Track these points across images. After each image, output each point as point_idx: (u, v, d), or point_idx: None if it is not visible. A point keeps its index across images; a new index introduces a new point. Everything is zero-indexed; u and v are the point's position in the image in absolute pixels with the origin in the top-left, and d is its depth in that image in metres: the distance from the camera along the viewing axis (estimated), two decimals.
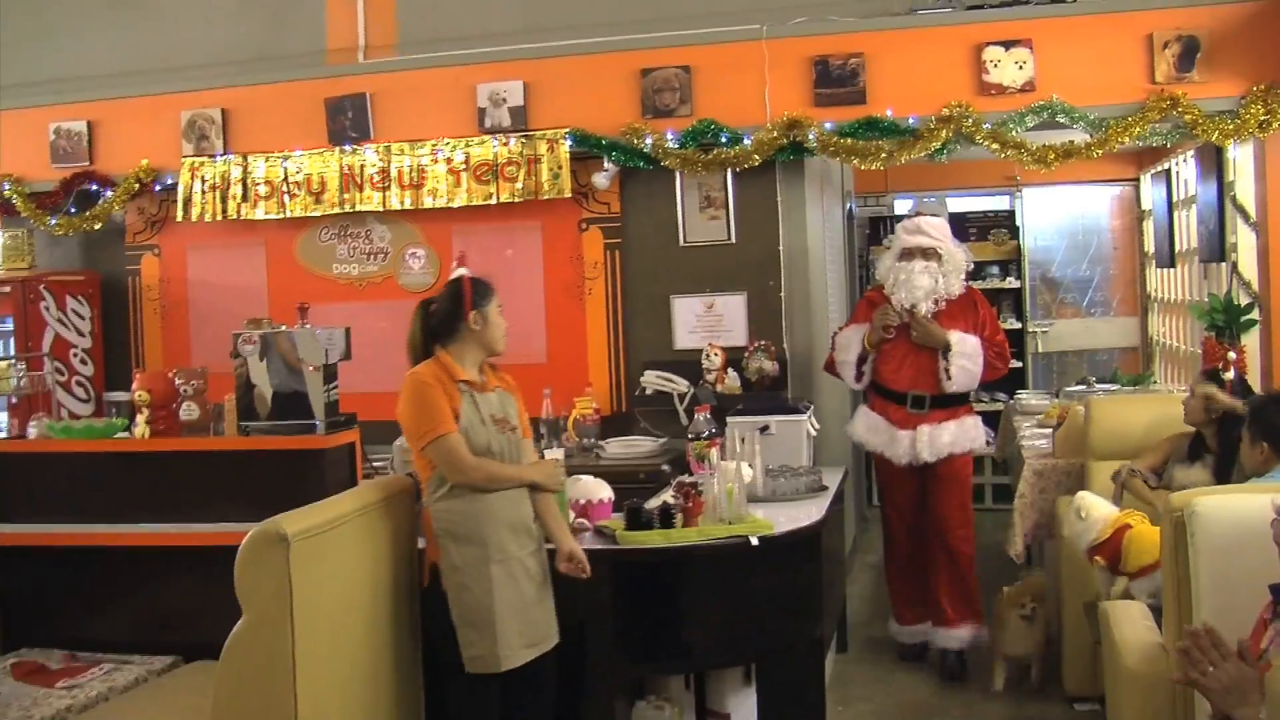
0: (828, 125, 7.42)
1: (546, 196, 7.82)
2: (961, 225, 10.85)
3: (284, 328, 5.55)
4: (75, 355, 8.69)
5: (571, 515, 5.24)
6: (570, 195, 7.84)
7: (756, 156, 7.49)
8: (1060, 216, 12.02)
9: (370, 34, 8.54)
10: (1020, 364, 10.79)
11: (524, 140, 7.86)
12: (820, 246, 7.99)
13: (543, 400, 7.28)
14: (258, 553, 4.08)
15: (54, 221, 8.70)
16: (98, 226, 8.69)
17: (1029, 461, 7.00)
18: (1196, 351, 7.99)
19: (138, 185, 8.57)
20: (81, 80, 8.92)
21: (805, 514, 5.62)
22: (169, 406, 5.70)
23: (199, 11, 8.94)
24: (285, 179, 8.25)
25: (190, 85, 8.59)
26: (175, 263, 8.80)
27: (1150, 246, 10.89)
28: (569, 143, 7.79)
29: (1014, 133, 7.23)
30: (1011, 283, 11.53)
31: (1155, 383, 9.55)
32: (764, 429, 6.62)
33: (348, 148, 8.19)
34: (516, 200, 7.87)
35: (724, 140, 7.56)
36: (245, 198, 8.33)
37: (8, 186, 8.82)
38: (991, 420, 8.58)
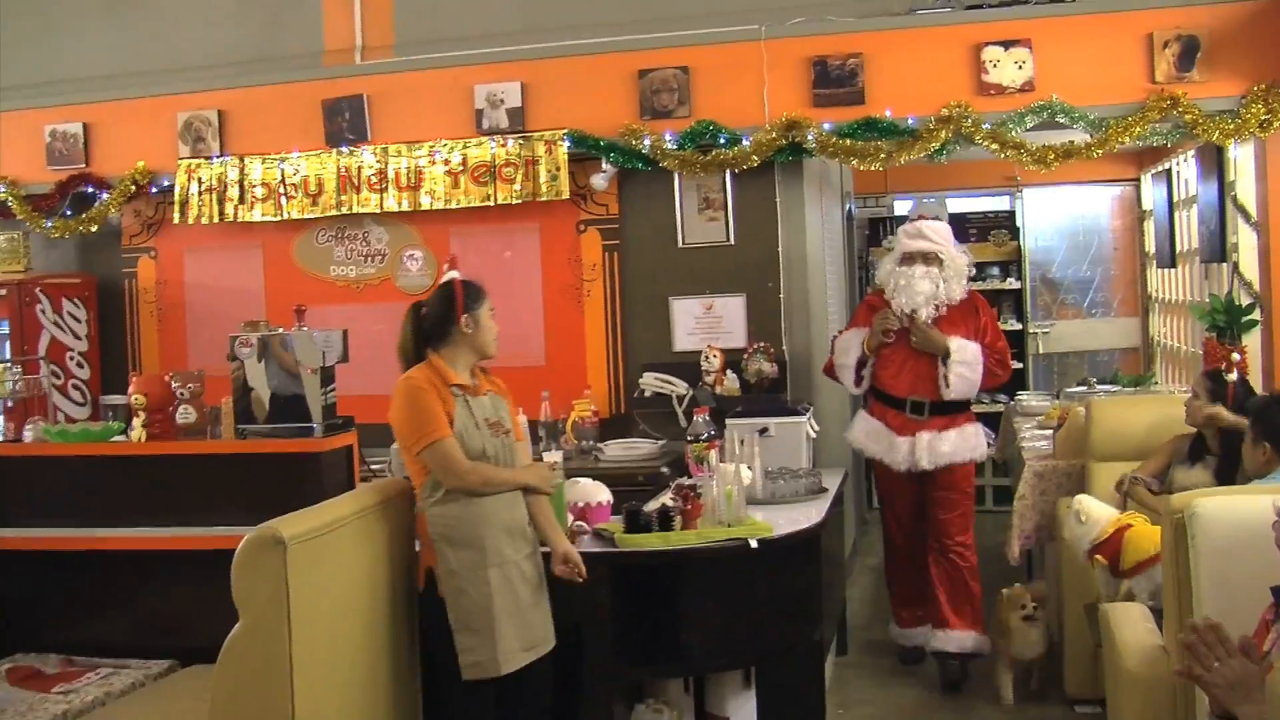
0: (826, 126, 7.40)
1: (544, 198, 7.81)
2: (961, 226, 10.85)
3: (281, 330, 5.54)
4: (71, 358, 8.68)
5: (570, 518, 5.23)
6: (568, 197, 7.83)
7: (755, 157, 7.48)
8: (1061, 217, 12.01)
9: (367, 35, 8.54)
10: (1021, 365, 10.76)
11: (522, 141, 7.84)
12: (819, 248, 7.97)
13: (541, 403, 7.26)
14: (254, 556, 4.05)
15: (50, 224, 8.67)
16: (94, 229, 8.67)
17: (1029, 463, 6.98)
18: (1198, 352, 7.97)
19: (134, 187, 8.55)
20: (77, 82, 8.92)
21: (805, 516, 5.60)
22: (165, 410, 5.70)
23: (195, 13, 8.94)
24: (282, 181, 8.24)
25: (186, 87, 8.58)
26: (172, 265, 8.79)
27: (1151, 247, 10.87)
28: (567, 144, 7.77)
29: (1014, 133, 7.22)
30: (1012, 283, 11.52)
31: (1156, 383, 9.54)
32: (763, 431, 6.60)
33: (345, 149, 8.18)
34: (514, 202, 7.85)
35: (722, 141, 7.55)
36: (242, 200, 8.32)
37: (3, 189, 8.81)
38: (992, 421, 8.56)
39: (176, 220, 8.48)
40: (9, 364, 7.61)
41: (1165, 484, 5.81)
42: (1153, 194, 10.57)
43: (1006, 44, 7.30)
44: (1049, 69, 7.26)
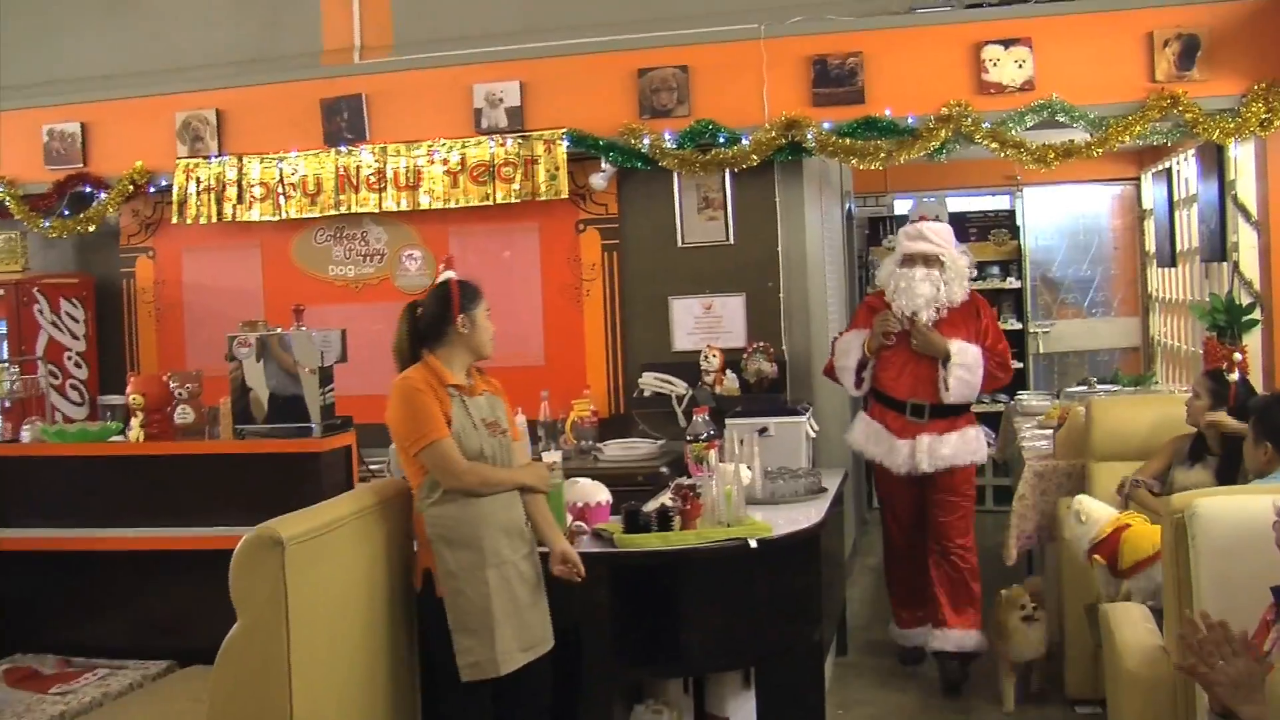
0: (826, 125, 7.39)
1: (544, 197, 7.80)
2: (961, 225, 10.84)
3: (279, 330, 5.53)
4: (69, 358, 8.66)
5: (569, 518, 5.21)
6: (567, 196, 7.82)
7: (755, 157, 7.47)
8: (1061, 216, 11.98)
9: (366, 34, 8.52)
10: (1021, 365, 10.75)
11: (521, 141, 7.83)
12: (819, 247, 7.96)
13: (540, 402, 7.25)
14: (252, 557, 4.04)
15: (47, 224, 8.66)
16: (92, 229, 8.65)
17: (1029, 463, 6.97)
18: (1198, 352, 7.96)
19: (132, 187, 8.54)
20: (75, 81, 8.90)
21: (804, 516, 5.59)
22: (163, 410, 5.71)
23: (193, 12, 8.92)
24: (280, 180, 8.22)
25: (184, 86, 8.57)
26: (170, 265, 8.78)
27: (1151, 246, 10.86)
28: (566, 143, 7.76)
29: (1013, 132, 7.21)
30: (1012, 283, 11.52)
31: (1157, 383, 9.52)
32: (763, 431, 6.59)
33: (343, 149, 8.16)
34: (513, 201, 7.84)
35: (722, 140, 7.54)
36: (240, 199, 8.30)
37: (1, 189, 8.79)
38: (992, 421, 8.55)
39: (175, 220, 8.46)
40: (6, 364, 7.56)
41: (1166, 485, 5.80)
42: (1153, 193, 10.56)
43: (1006, 43, 7.29)
44: (1049, 68, 7.25)
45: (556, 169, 7.75)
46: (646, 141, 7.60)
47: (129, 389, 5.74)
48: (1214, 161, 7.80)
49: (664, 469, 6.76)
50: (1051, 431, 7.30)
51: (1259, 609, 3.50)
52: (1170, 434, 6.09)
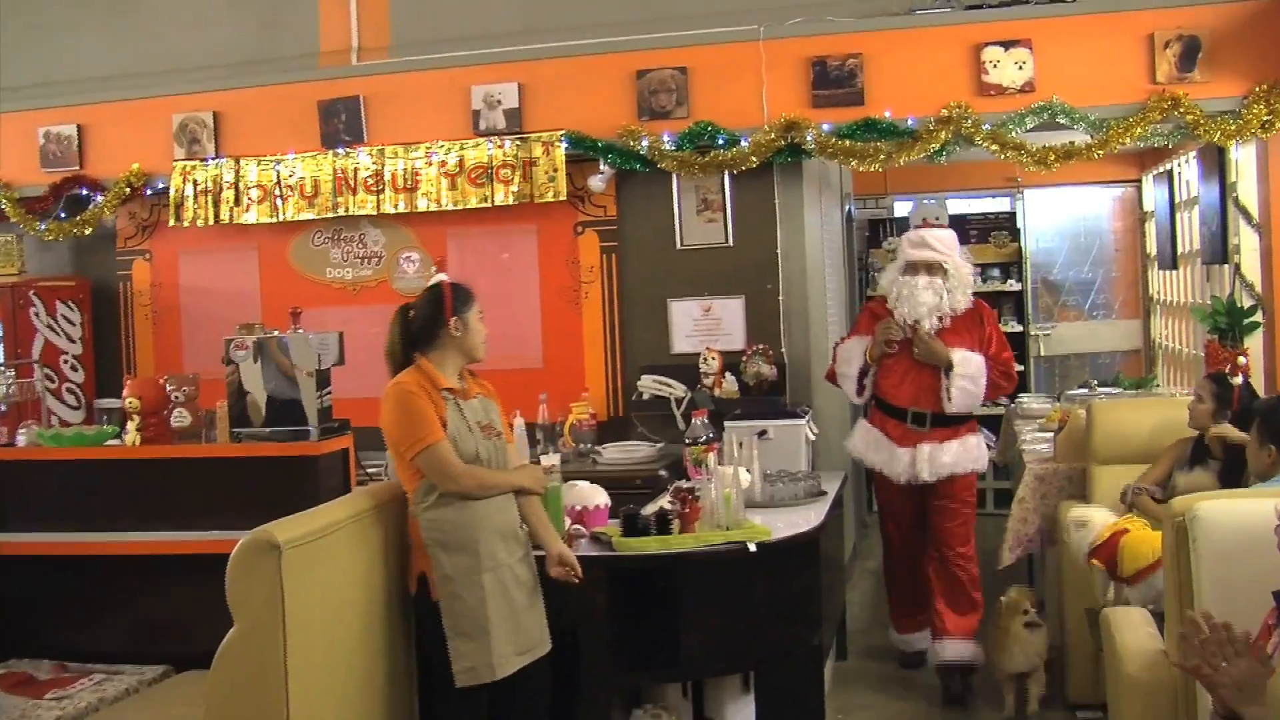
0: (826, 127, 7.38)
1: (542, 199, 7.77)
2: (962, 227, 10.80)
3: (277, 333, 5.51)
4: (65, 362, 8.64)
5: (568, 521, 5.19)
6: (566, 198, 7.80)
7: (754, 158, 7.45)
8: (1061, 218, 11.95)
9: (363, 36, 8.50)
10: (1022, 367, 10.70)
11: (519, 143, 7.81)
12: (819, 249, 7.94)
13: (539, 405, 7.25)
14: (249, 561, 4.02)
15: (43, 226, 8.64)
16: (88, 231, 8.63)
17: (1030, 466, 6.94)
18: (1199, 354, 7.93)
19: (128, 189, 8.52)
20: (71, 84, 8.88)
21: (804, 519, 5.56)
22: (160, 413, 5.70)
23: (190, 14, 8.89)
24: (278, 182, 8.20)
25: (181, 88, 8.56)
26: (167, 267, 8.75)
27: (1152, 248, 10.84)
28: (564, 145, 7.74)
29: (1014, 134, 7.20)
30: (1013, 285, 11.51)
31: (1158, 386, 9.51)
32: (762, 433, 6.57)
33: (341, 151, 8.14)
34: (511, 203, 7.82)
35: (721, 142, 7.52)
36: (237, 202, 8.28)
37: None
38: (993, 424, 8.53)
39: (171, 222, 8.44)
40: (2, 368, 7.58)
41: (1168, 489, 5.76)
42: (1154, 195, 10.54)
43: (1007, 44, 7.27)
44: (1049, 69, 7.24)
45: (555, 171, 7.73)
46: (645, 143, 7.58)
47: (125, 392, 5.73)
48: (1215, 163, 7.77)
49: (663, 472, 6.78)
50: (1052, 434, 7.27)
51: (1260, 613, 3.47)
52: (1171, 437, 6.07)
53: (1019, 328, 11.29)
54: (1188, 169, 9.03)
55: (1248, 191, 7.51)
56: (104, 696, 4.96)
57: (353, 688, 4.45)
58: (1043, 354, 11.74)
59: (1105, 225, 11.90)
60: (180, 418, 5.63)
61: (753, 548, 4.99)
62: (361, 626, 4.52)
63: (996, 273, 11.43)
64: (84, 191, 8.64)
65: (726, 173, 7.61)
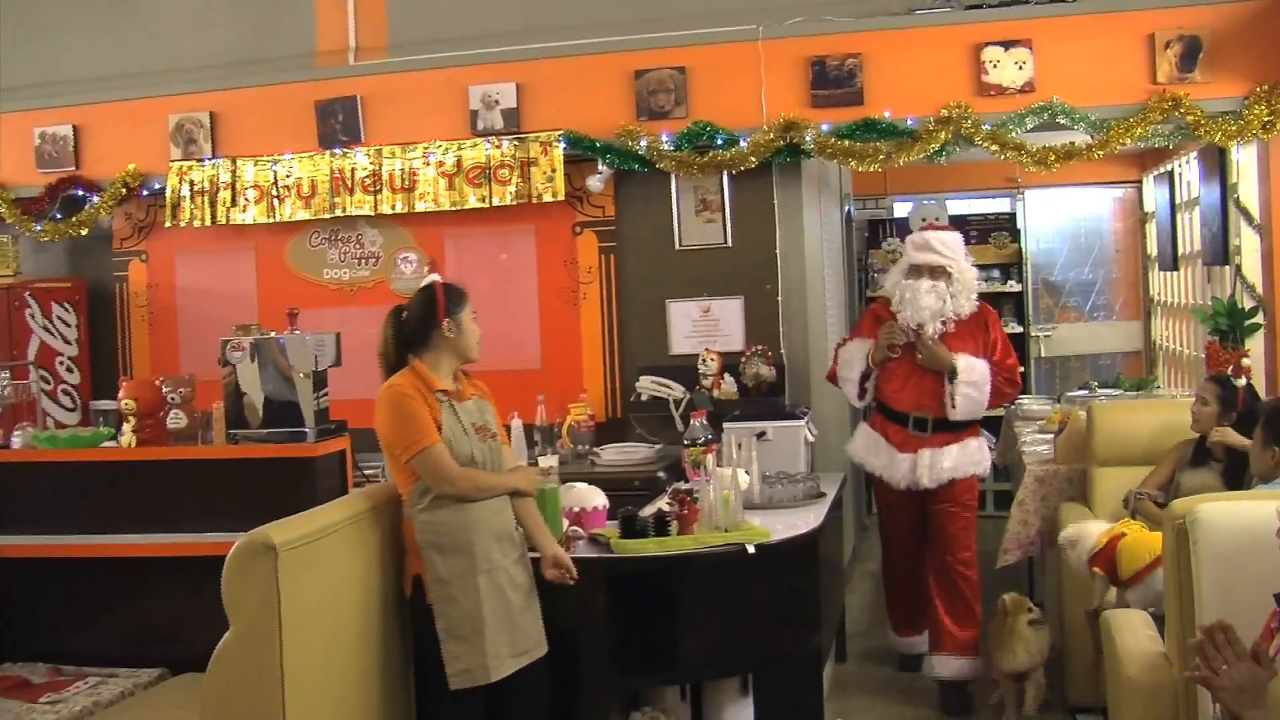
0: (825, 127, 7.35)
1: (540, 200, 7.74)
2: (962, 228, 10.71)
3: (273, 334, 5.50)
4: (61, 363, 8.61)
5: (566, 523, 5.17)
6: (564, 198, 7.77)
7: (753, 159, 7.43)
8: (1062, 219, 11.93)
9: (361, 36, 8.47)
10: (1022, 369, 10.68)
11: (517, 143, 7.78)
12: (818, 250, 7.92)
13: (537, 406, 7.23)
14: (245, 563, 4.00)
15: (39, 227, 8.61)
16: (84, 232, 8.60)
17: (1030, 468, 6.93)
18: (1200, 356, 7.92)
19: (125, 190, 8.49)
20: (67, 84, 8.85)
21: (803, 521, 5.54)
22: (156, 415, 5.69)
23: (187, 14, 8.87)
24: (275, 183, 8.17)
25: (178, 88, 8.53)
26: (163, 268, 8.73)
27: (1153, 249, 10.82)
28: (563, 145, 7.72)
29: (1014, 134, 7.18)
30: (1013, 286, 11.49)
31: (1159, 387, 9.49)
32: (761, 435, 6.55)
33: (338, 151, 8.11)
34: (509, 204, 7.79)
35: (720, 142, 7.50)
36: (234, 202, 8.25)
37: None
38: (993, 426, 8.51)
39: (168, 223, 8.40)
40: None
41: (1172, 489, 5.74)
42: (1155, 196, 10.53)
43: (1006, 44, 7.25)
44: (1049, 69, 7.21)
45: (553, 171, 7.70)
46: (644, 143, 7.55)
47: (121, 394, 5.72)
48: (1216, 164, 7.75)
49: (661, 473, 6.78)
50: (1052, 436, 7.27)
51: (1261, 615, 3.45)
52: (1172, 439, 6.06)
53: (1019, 329, 11.27)
54: (1188, 170, 9.01)
55: (1249, 192, 7.49)
56: (99, 700, 4.94)
57: (349, 690, 4.42)
58: (1043, 355, 11.72)
59: (1106, 226, 11.87)
60: (176, 419, 5.61)
61: (751, 550, 4.97)
62: (358, 629, 4.49)
63: (996, 274, 11.41)
64: (80, 192, 8.62)
65: (725, 173, 7.59)
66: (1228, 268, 7.74)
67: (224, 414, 5.51)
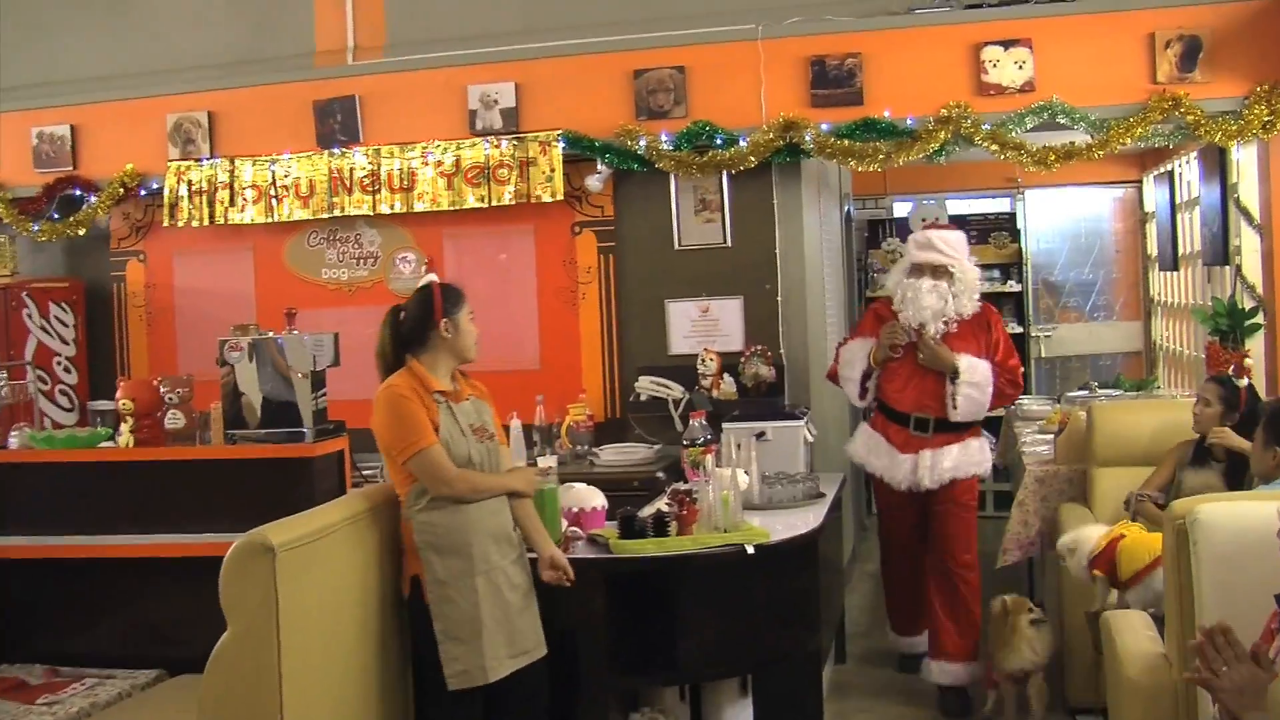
0: (824, 126, 7.34)
1: (539, 200, 7.72)
2: (962, 228, 10.70)
3: (272, 334, 5.49)
4: (58, 363, 8.60)
5: (565, 524, 5.16)
6: (563, 198, 7.75)
7: (752, 158, 7.41)
8: (1062, 219, 11.91)
9: (359, 35, 8.46)
10: (1023, 369, 10.69)
11: (516, 142, 7.77)
12: (817, 250, 7.91)
13: (536, 407, 7.21)
14: (243, 564, 4.00)
15: (36, 227, 8.59)
16: (81, 232, 8.57)
17: (1030, 468, 6.91)
18: (1200, 356, 7.90)
19: (122, 190, 8.46)
20: (65, 83, 8.83)
21: (802, 521, 5.53)
22: (154, 415, 5.68)
23: (185, 13, 8.86)
24: (273, 183, 8.15)
25: (176, 88, 8.51)
26: (161, 268, 8.71)
27: (1153, 249, 10.81)
28: (562, 145, 7.70)
29: (1014, 134, 7.16)
30: (1013, 286, 11.47)
31: (1159, 388, 9.48)
32: (760, 435, 6.53)
33: (337, 151, 8.10)
34: (508, 203, 7.77)
35: (719, 142, 7.48)
36: (232, 202, 8.23)
37: None
38: (993, 426, 8.49)
39: (166, 223, 8.38)
40: None
41: (1173, 489, 5.73)
42: (1155, 196, 10.52)
43: (1006, 44, 7.24)
44: (1049, 69, 7.20)
45: (552, 171, 7.69)
46: (643, 143, 7.54)
47: (119, 394, 5.71)
48: (1216, 164, 7.74)
49: (660, 474, 6.76)
50: (1053, 436, 7.26)
51: (1261, 616, 3.46)
52: (1172, 439, 6.05)
53: (1019, 329, 11.25)
54: (1188, 170, 9.00)
55: (1249, 192, 7.48)
56: (96, 701, 4.92)
57: (347, 691, 4.42)
58: (1043, 355, 11.71)
59: (1106, 226, 11.86)
60: (174, 419, 5.60)
61: (751, 550, 4.96)
62: (357, 629, 4.49)
63: (996, 274, 11.40)
64: (77, 192, 8.59)
65: (725, 173, 7.57)
66: (1228, 268, 7.72)
67: (222, 414, 5.50)
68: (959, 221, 10.65)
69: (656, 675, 5.27)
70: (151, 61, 8.76)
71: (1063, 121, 7.13)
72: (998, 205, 11.86)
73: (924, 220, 6.64)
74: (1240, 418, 5.67)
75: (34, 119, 8.75)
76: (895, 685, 6.80)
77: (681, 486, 5.35)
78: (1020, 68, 7.22)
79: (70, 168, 8.67)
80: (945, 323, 6.39)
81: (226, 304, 8.25)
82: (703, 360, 7.44)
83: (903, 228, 7.48)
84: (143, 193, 8.55)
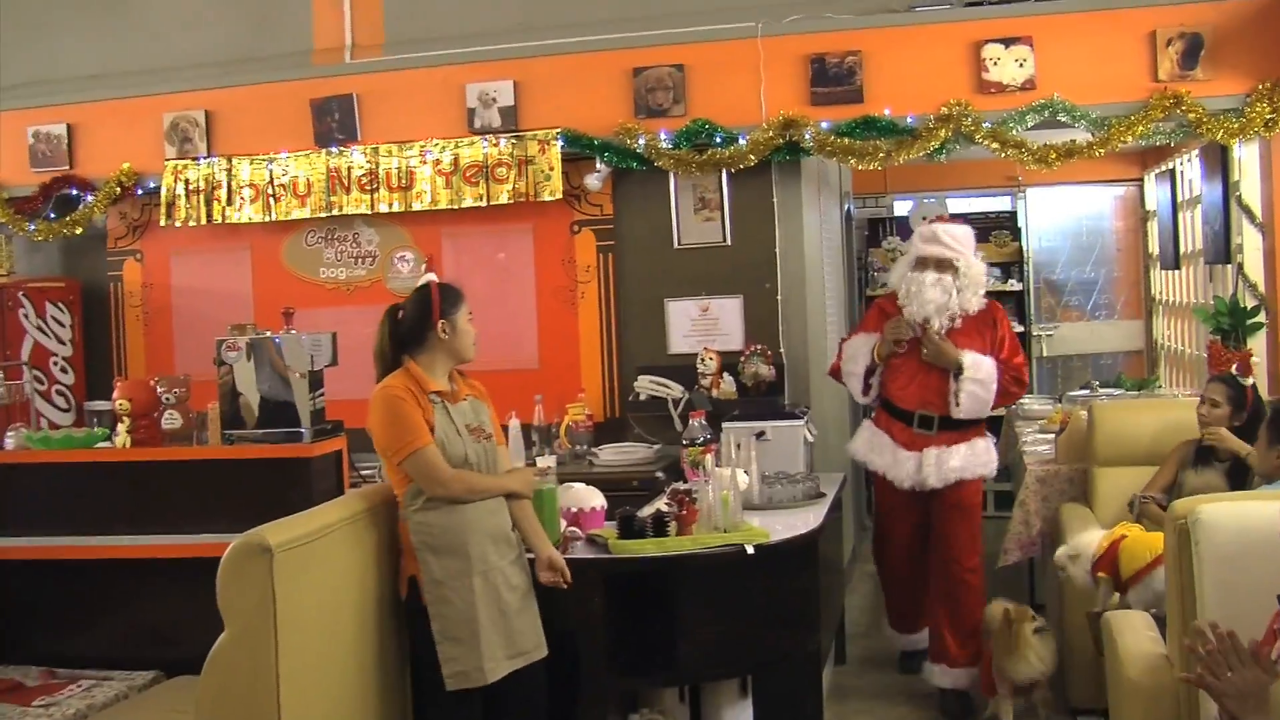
0: (824, 125, 7.32)
1: (538, 198, 7.71)
2: None
3: (269, 334, 5.47)
4: (55, 363, 8.58)
5: (564, 524, 5.14)
6: (562, 197, 7.74)
7: (752, 157, 7.40)
8: (1063, 217, 11.91)
9: (357, 33, 8.43)
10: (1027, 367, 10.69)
11: (514, 141, 7.75)
12: (817, 248, 7.89)
13: (535, 406, 7.19)
14: (240, 564, 3.99)
15: (33, 227, 8.57)
16: (78, 231, 8.55)
17: (1031, 468, 6.90)
18: (1202, 355, 7.90)
19: (119, 189, 8.45)
20: (61, 82, 8.81)
21: (802, 522, 5.51)
22: (151, 415, 5.67)
23: (182, 12, 8.83)
24: (270, 182, 8.14)
25: (173, 87, 8.49)
26: (158, 268, 8.70)
27: (1155, 248, 10.81)
28: (560, 143, 7.69)
29: (1014, 132, 7.15)
30: (1014, 285, 11.45)
31: (1160, 387, 9.44)
32: (760, 435, 6.50)
33: (334, 149, 8.08)
34: (507, 202, 7.76)
35: (718, 140, 7.46)
36: (230, 201, 8.22)
37: None
38: (994, 426, 8.47)
39: (163, 222, 8.37)
40: None
41: (1176, 489, 5.71)
42: (1156, 194, 10.51)
43: (1007, 42, 7.22)
44: (1050, 67, 7.18)
45: (551, 169, 7.67)
46: (642, 141, 7.52)
47: (115, 394, 5.69)
48: (1218, 162, 7.73)
49: (660, 474, 6.75)
50: (1054, 436, 7.24)
51: (1264, 616, 3.45)
52: (1174, 439, 6.04)
53: (1020, 328, 11.21)
54: (1190, 168, 8.99)
55: (1251, 190, 7.46)
56: (93, 703, 4.90)
57: (345, 692, 4.41)
58: (1045, 354, 11.70)
59: (1107, 224, 11.86)
60: (171, 420, 5.59)
61: (750, 550, 4.95)
62: (355, 630, 4.48)
63: (998, 272, 11.35)
64: (74, 191, 8.58)
65: (724, 171, 7.56)
66: (1230, 266, 7.70)
67: (219, 414, 5.48)
68: (960, 220, 10.66)
69: (656, 676, 5.25)
70: (148, 60, 8.73)
71: (1064, 119, 7.11)
72: (998, 204, 11.85)
73: (925, 219, 6.61)
74: (1246, 416, 5.66)
75: (30, 118, 8.73)
76: (896, 686, 6.78)
77: (681, 486, 5.34)
78: (1021, 65, 7.20)
79: (67, 167, 8.65)
80: (950, 318, 6.33)
81: (224, 303, 8.24)
82: (702, 360, 7.42)
83: (903, 226, 7.46)
84: (140, 192, 8.54)
